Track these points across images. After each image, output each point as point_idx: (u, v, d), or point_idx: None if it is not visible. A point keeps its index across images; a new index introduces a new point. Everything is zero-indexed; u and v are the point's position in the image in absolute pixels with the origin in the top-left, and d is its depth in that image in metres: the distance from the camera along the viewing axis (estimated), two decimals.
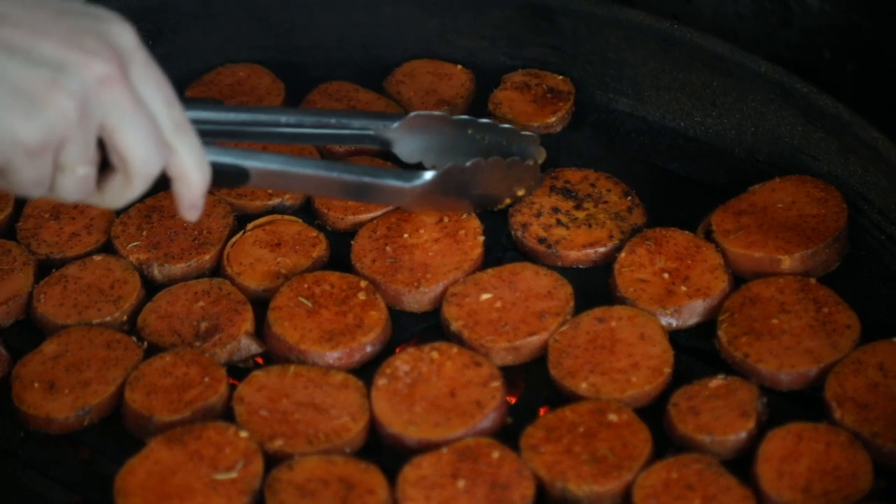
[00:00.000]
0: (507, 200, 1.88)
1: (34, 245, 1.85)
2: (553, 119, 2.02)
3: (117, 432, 1.68)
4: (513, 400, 1.72)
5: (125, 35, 1.44)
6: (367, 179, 1.77)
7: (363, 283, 1.79)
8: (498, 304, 1.77)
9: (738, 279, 1.81)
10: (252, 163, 1.68)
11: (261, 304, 1.79)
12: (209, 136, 1.62)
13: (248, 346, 1.75)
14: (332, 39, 2.11)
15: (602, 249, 1.85)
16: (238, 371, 1.73)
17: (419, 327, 1.80)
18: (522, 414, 1.69)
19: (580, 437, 1.63)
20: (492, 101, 2.04)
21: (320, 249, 1.84)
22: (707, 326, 1.77)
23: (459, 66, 2.09)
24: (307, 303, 1.77)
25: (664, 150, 2.00)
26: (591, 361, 1.71)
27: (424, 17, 2.09)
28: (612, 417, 1.65)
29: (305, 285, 1.79)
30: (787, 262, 1.80)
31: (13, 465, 1.67)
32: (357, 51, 2.11)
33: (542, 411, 1.70)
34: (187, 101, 1.71)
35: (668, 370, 1.70)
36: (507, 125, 1.87)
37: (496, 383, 1.69)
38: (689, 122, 2.01)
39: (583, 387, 1.69)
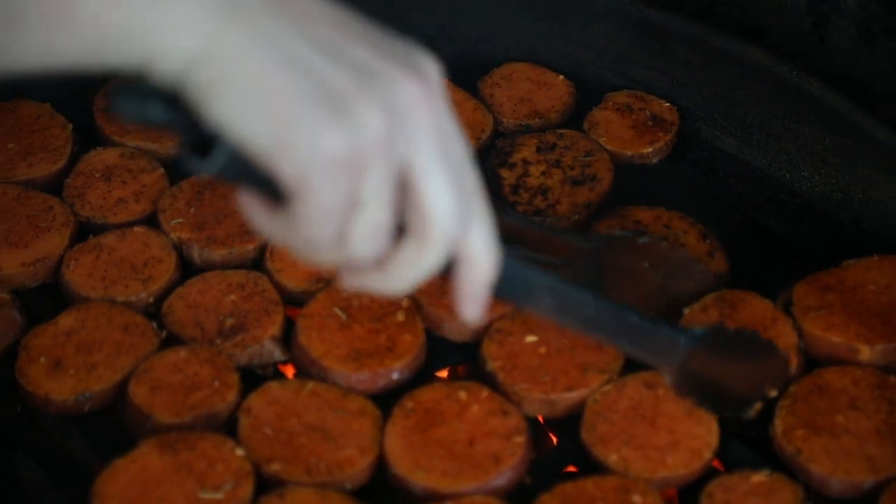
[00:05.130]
0: (758, 406, 1.53)
1: (78, 206, 1.72)
2: (650, 149, 1.83)
3: (117, 424, 1.55)
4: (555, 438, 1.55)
5: (433, 68, 1.19)
6: (648, 327, 1.43)
7: (405, 303, 1.63)
8: (542, 350, 1.59)
9: (812, 362, 1.61)
10: (538, 277, 1.34)
11: (297, 306, 1.64)
12: None
13: (272, 351, 1.60)
14: (434, 28, 1.94)
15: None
16: (254, 377, 1.59)
17: (454, 359, 1.63)
18: (544, 474, 1.52)
19: None
20: (588, 120, 1.85)
21: None
22: (766, 410, 1.57)
23: (561, 77, 1.90)
24: (341, 315, 1.61)
25: (763, 203, 1.80)
26: (628, 432, 1.52)
27: (533, 19, 1.91)
28: (637, 499, 1.46)
29: (344, 295, 1.63)
30: (865, 353, 1.59)
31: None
32: (458, 44, 1.94)
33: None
34: None
35: (708, 455, 1.51)
36: (685, 255, 1.58)
37: (520, 438, 1.51)
38: (795, 175, 1.80)
39: (612, 458, 1.51)
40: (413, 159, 1.17)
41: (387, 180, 1.16)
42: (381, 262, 1.21)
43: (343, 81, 1.13)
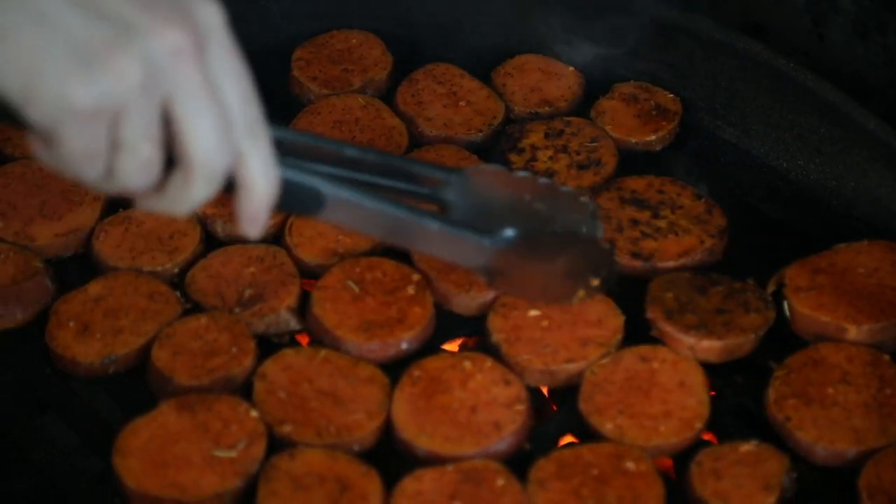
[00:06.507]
0: (581, 293, 1.55)
1: None
2: (654, 137, 1.84)
3: (141, 385, 1.57)
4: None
5: (209, 11, 1.21)
6: (449, 231, 1.46)
7: (415, 277, 1.64)
8: (544, 323, 1.60)
9: (801, 341, 1.62)
10: (329, 189, 1.37)
11: (313, 278, 1.66)
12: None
13: (287, 320, 1.61)
14: (450, 20, 1.95)
15: (698, 257, 1.67)
16: (269, 345, 1.60)
17: (462, 331, 1.64)
18: (543, 441, 1.53)
19: (591, 480, 1.46)
20: (595, 109, 1.86)
21: None
22: (761, 379, 1.58)
23: (571, 68, 1.91)
24: (355, 287, 1.62)
25: (761, 189, 1.81)
26: (623, 402, 1.53)
27: (545, 13, 1.92)
28: (630, 465, 1.47)
29: (357, 269, 1.64)
30: (853, 332, 1.59)
31: (30, 398, 1.56)
32: (473, 36, 1.95)
33: (562, 442, 1.54)
34: None
35: (699, 425, 1.52)
36: (567, 188, 1.55)
37: (520, 406, 1.53)
38: (791, 164, 1.81)
39: (608, 427, 1.52)
40: (173, 103, 1.19)
41: (147, 124, 1.18)
42: (158, 190, 1.24)
43: (95, 36, 1.15)
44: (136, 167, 1.21)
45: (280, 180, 1.29)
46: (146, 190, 1.24)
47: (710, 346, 1.58)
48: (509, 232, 1.47)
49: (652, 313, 1.60)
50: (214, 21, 1.21)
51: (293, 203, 1.35)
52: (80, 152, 1.18)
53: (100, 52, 1.15)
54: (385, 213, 1.41)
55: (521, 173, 1.53)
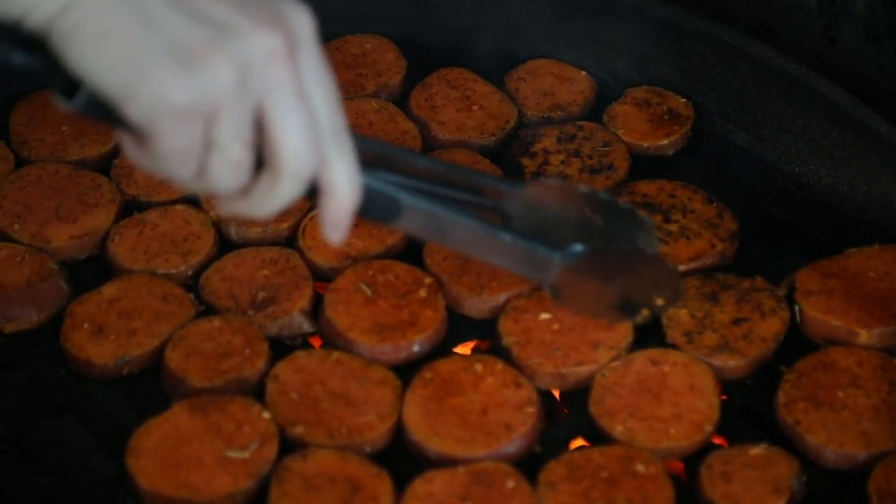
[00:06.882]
0: (645, 313, 1.57)
1: (124, 184, 1.75)
2: (666, 141, 1.83)
3: (154, 387, 1.57)
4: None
5: (302, 17, 1.24)
6: (520, 244, 1.46)
7: (427, 280, 1.64)
8: (555, 327, 1.60)
9: (812, 345, 1.61)
10: (406, 198, 1.40)
11: (326, 281, 1.66)
12: None
13: (300, 323, 1.61)
14: (464, 25, 1.95)
15: (709, 261, 1.67)
16: (282, 347, 1.60)
17: (473, 334, 1.64)
18: (553, 444, 1.53)
19: (601, 483, 1.46)
20: (608, 114, 1.86)
21: (396, 237, 1.69)
22: (767, 387, 1.57)
23: (584, 73, 1.91)
24: (367, 290, 1.63)
25: (772, 193, 1.80)
26: (633, 405, 1.53)
27: (558, 18, 1.92)
28: (640, 468, 1.47)
29: (370, 272, 1.65)
30: (863, 336, 1.59)
31: (44, 399, 1.57)
32: (486, 41, 1.95)
33: (573, 445, 1.54)
34: None
35: (709, 428, 1.52)
36: (625, 204, 1.55)
37: (531, 409, 1.52)
38: (803, 168, 1.80)
39: (618, 430, 1.51)
40: (266, 104, 1.21)
41: (240, 124, 1.21)
42: (243, 192, 1.26)
43: (194, 36, 1.17)
44: (227, 167, 1.23)
45: (362, 187, 1.31)
46: (233, 192, 1.27)
47: (736, 366, 1.58)
48: (578, 247, 1.48)
49: (672, 339, 1.60)
50: (306, 27, 1.24)
51: (372, 210, 1.37)
52: (174, 151, 1.21)
53: (198, 52, 1.18)
54: (459, 223, 1.44)
55: (582, 188, 1.53)
